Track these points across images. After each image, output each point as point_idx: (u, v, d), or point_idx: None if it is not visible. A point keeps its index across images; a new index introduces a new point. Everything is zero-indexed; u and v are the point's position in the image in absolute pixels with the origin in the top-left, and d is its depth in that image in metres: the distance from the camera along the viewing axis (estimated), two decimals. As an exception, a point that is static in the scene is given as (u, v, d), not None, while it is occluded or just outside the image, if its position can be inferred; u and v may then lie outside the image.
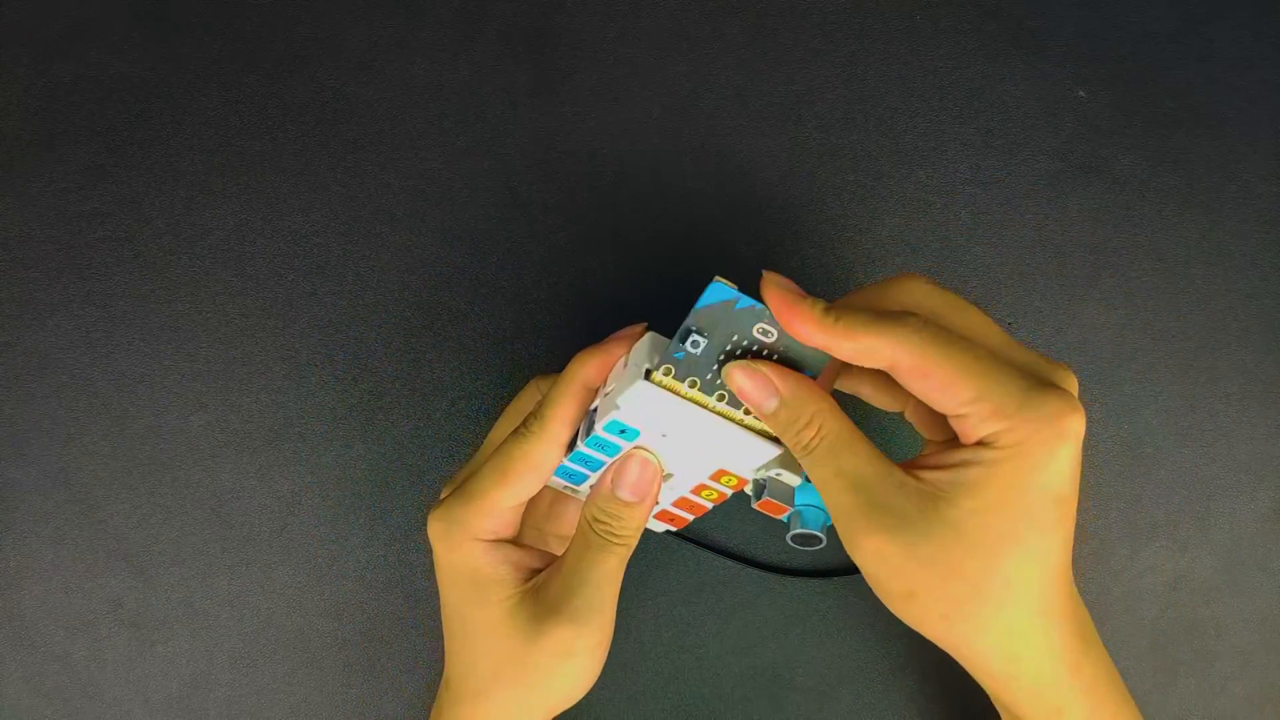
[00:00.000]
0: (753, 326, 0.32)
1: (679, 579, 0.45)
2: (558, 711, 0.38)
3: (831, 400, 0.32)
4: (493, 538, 0.36)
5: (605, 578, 0.35)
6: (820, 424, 0.31)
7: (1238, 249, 0.46)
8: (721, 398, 0.33)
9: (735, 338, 0.32)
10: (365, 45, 0.46)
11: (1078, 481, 0.31)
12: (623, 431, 0.34)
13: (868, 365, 0.31)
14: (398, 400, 0.45)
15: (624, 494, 0.35)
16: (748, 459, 0.35)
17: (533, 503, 0.39)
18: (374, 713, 0.45)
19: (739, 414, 0.33)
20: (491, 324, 0.46)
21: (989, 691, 0.34)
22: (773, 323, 0.32)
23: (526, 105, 0.46)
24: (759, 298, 0.31)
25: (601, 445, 0.35)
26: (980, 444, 0.30)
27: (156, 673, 0.46)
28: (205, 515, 0.46)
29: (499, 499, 0.35)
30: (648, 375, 0.32)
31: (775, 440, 0.33)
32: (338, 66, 0.46)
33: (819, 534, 0.38)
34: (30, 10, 0.46)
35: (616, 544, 0.35)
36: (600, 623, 0.36)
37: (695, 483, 0.36)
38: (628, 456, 0.35)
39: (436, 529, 0.36)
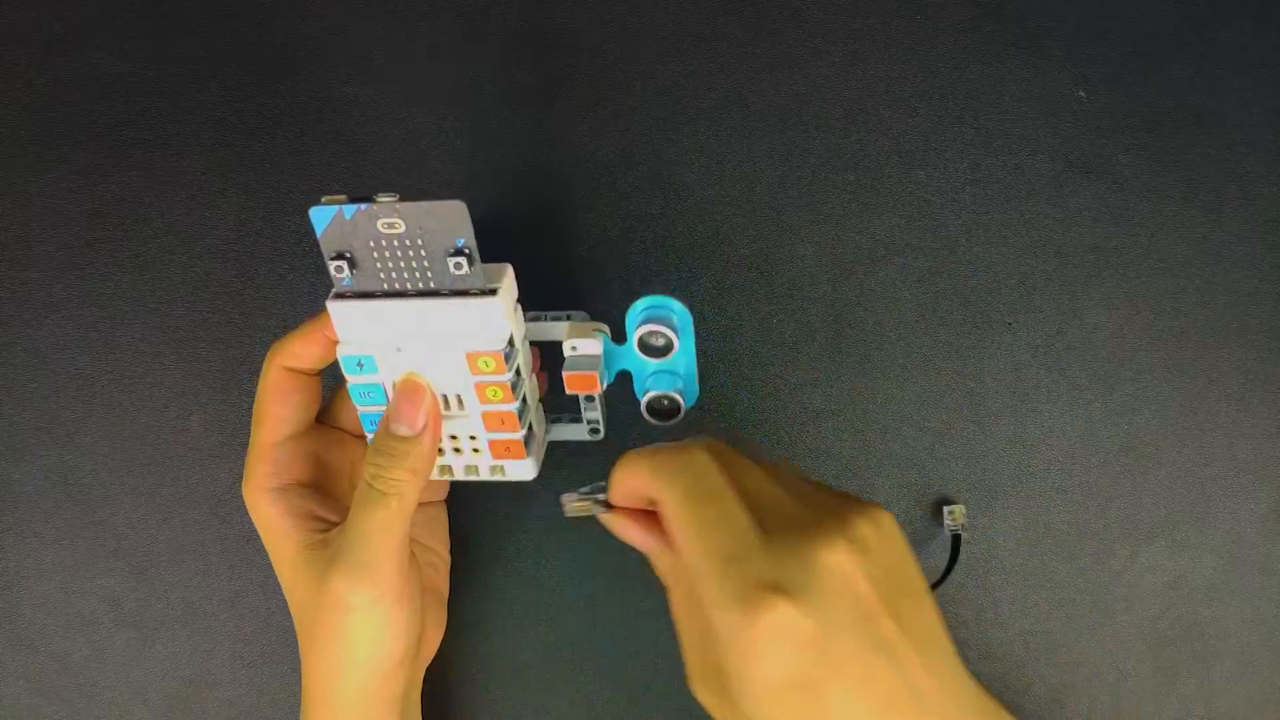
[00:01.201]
0: (378, 222, 0.32)
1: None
2: (374, 670, 0.36)
3: (646, 533, 0.33)
4: (276, 482, 0.37)
5: (377, 529, 0.34)
6: (670, 568, 0.33)
7: (1238, 249, 0.46)
8: (411, 295, 0.33)
9: (370, 243, 0.33)
10: (365, 45, 0.46)
11: (824, 661, 0.28)
12: (360, 365, 0.34)
13: (642, 502, 0.32)
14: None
15: (401, 428, 0.34)
16: (482, 328, 0.34)
17: (338, 459, 0.40)
18: (374, 713, 0.45)
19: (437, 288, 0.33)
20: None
21: None
22: (388, 211, 0.32)
23: (526, 105, 0.46)
24: (359, 198, 0.32)
25: (361, 393, 0.35)
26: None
27: (156, 673, 0.46)
28: (205, 515, 0.46)
29: (258, 445, 0.37)
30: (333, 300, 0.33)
31: (487, 291, 0.33)
32: (338, 66, 0.46)
33: (673, 395, 0.36)
34: (30, 10, 0.46)
35: (388, 494, 0.34)
36: (374, 577, 0.34)
37: (471, 387, 0.35)
38: (400, 385, 0.35)
39: (243, 494, 0.38)
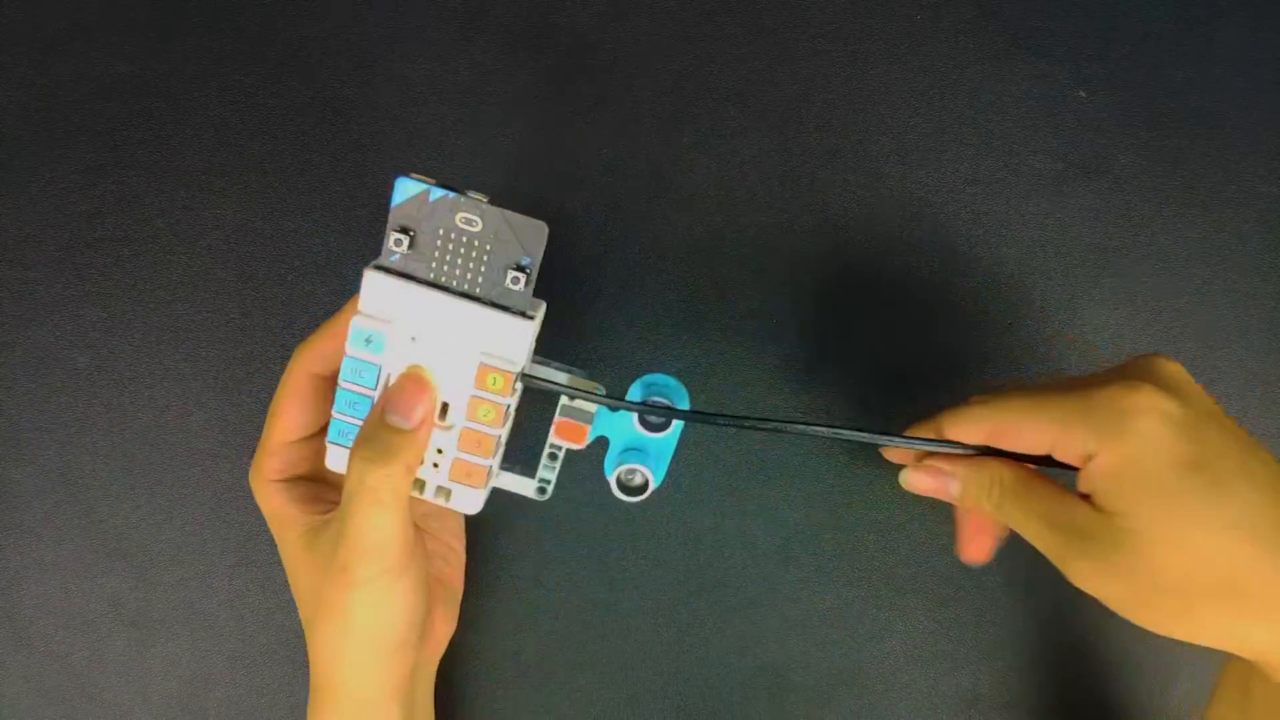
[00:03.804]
0: (455, 216, 0.32)
1: (679, 578, 0.45)
2: (374, 646, 0.36)
3: (997, 459, 0.36)
4: (283, 476, 0.38)
5: (369, 525, 0.34)
6: (1000, 478, 0.35)
7: (1238, 249, 0.46)
8: (456, 288, 0.33)
9: (441, 230, 0.32)
10: (365, 45, 0.46)
11: (1197, 440, 0.31)
12: (368, 341, 0.33)
13: (974, 439, 0.36)
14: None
15: (394, 418, 0.34)
16: (504, 345, 0.34)
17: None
18: (374, 713, 0.45)
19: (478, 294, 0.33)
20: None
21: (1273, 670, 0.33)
22: (473, 208, 0.32)
23: (526, 105, 0.46)
24: (452, 187, 0.32)
25: (355, 371, 0.34)
26: (1088, 459, 0.32)
27: (156, 673, 0.46)
28: (205, 515, 0.46)
29: (268, 439, 0.38)
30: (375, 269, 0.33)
31: (522, 313, 0.33)
32: (338, 66, 0.46)
33: (643, 471, 0.36)
34: (30, 10, 0.46)
35: (376, 488, 0.33)
36: (372, 561, 0.34)
37: (466, 398, 0.34)
38: (400, 377, 0.34)
39: (250, 481, 0.38)
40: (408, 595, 0.36)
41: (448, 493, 0.36)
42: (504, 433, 0.35)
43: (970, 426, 0.36)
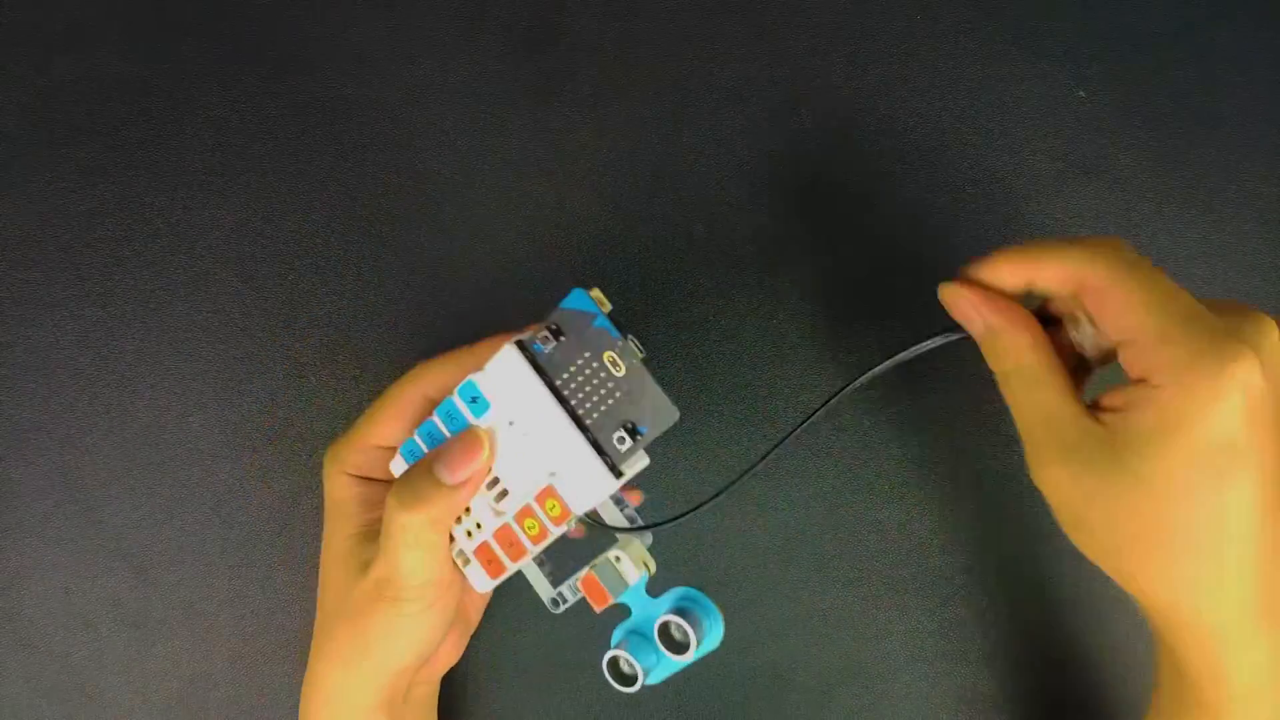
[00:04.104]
0: (603, 352, 0.32)
1: (679, 579, 0.45)
2: (392, 667, 0.37)
3: (1034, 331, 0.33)
4: (359, 473, 0.38)
5: (406, 561, 0.34)
6: (1020, 354, 0.32)
7: (1238, 249, 0.46)
8: (571, 407, 0.33)
9: (588, 354, 0.32)
10: (365, 45, 0.46)
11: (1258, 427, 0.29)
12: (474, 400, 0.34)
13: (1056, 282, 0.32)
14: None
15: (440, 469, 0.34)
16: (581, 484, 0.33)
17: None
18: (374, 713, 0.45)
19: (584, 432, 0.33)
20: (492, 324, 0.46)
21: (1154, 629, 0.33)
22: (624, 356, 0.32)
23: (526, 105, 0.46)
24: (617, 325, 0.32)
25: (449, 415, 0.34)
26: (1143, 381, 0.30)
27: (156, 673, 0.46)
28: (205, 515, 0.46)
29: (361, 436, 0.38)
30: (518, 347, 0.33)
31: (614, 470, 0.33)
32: (338, 66, 0.46)
33: (638, 671, 0.34)
34: (30, 10, 0.46)
35: (416, 533, 0.34)
36: (407, 586, 0.35)
37: (522, 503, 0.34)
38: (457, 434, 0.34)
39: (325, 459, 0.39)
40: (424, 630, 0.36)
41: (466, 560, 0.36)
42: (540, 550, 0.35)
43: (1075, 259, 0.31)
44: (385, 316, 0.46)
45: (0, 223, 0.46)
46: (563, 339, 0.33)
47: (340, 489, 0.38)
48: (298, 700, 0.45)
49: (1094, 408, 0.32)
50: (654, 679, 0.35)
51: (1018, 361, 0.33)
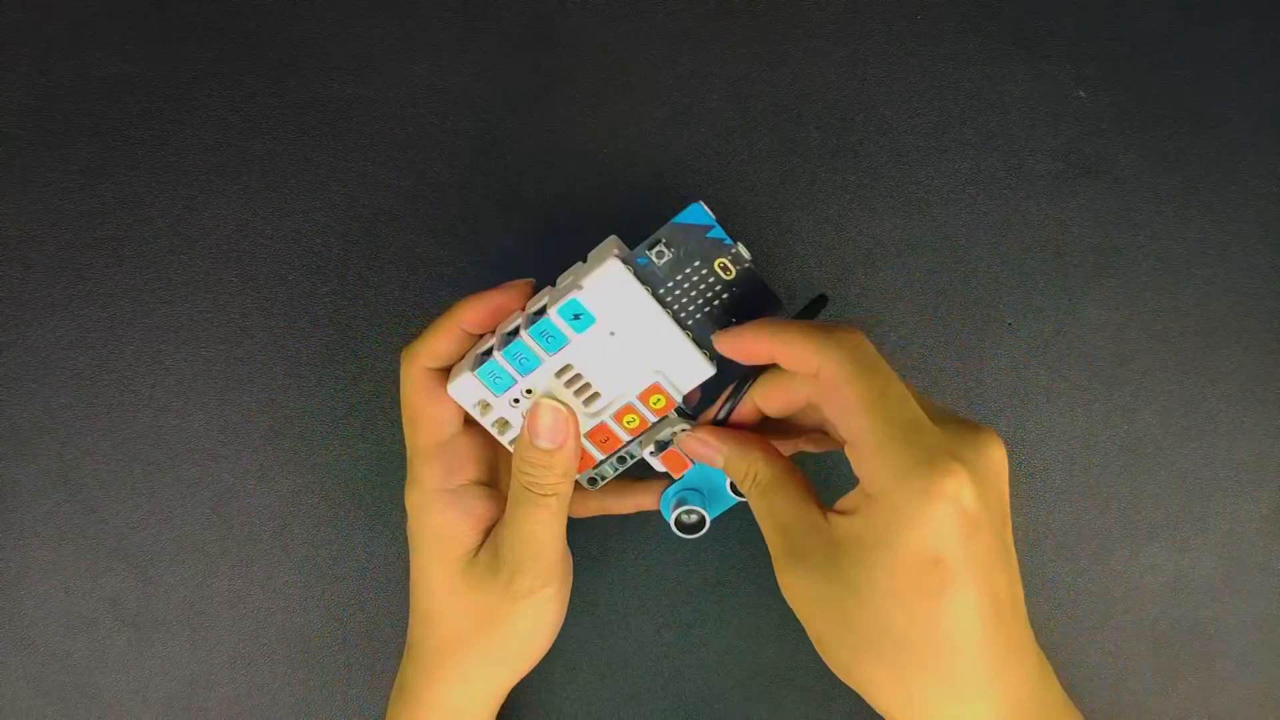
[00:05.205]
0: (715, 260, 0.34)
1: (679, 579, 0.45)
2: (522, 667, 0.39)
3: (764, 448, 0.34)
4: (450, 484, 0.37)
5: (539, 529, 0.36)
6: (756, 470, 0.34)
7: (1238, 249, 0.46)
8: (672, 312, 0.35)
9: (697, 263, 0.34)
10: (365, 45, 0.46)
11: (971, 543, 0.29)
12: (577, 317, 0.35)
13: (794, 365, 0.32)
14: (398, 400, 0.45)
15: (541, 441, 0.35)
16: (685, 375, 0.36)
17: (503, 452, 0.40)
18: (374, 712, 0.45)
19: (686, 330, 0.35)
20: (491, 324, 0.46)
21: None
22: (735, 261, 0.34)
23: (526, 105, 0.46)
24: (732, 234, 0.34)
25: (546, 334, 0.35)
26: (863, 491, 0.30)
27: (156, 673, 0.46)
28: (205, 515, 0.46)
29: (419, 444, 0.38)
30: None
31: (714, 358, 0.36)
32: (338, 66, 0.46)
33: (702, 513, 0.38)
34: (31, 10, 0.46)
35: (544, 495, 0.35)
36: (538, 570, 0.36)
37: (623, 403, 0.36)
38: (537, 405, 0.35)
39: (409, 496, 0.38)
40: (558, 610, 0.38)
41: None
42: (634, 441, 0.38)
43: (815, 353, 0.31)
44: (385, 316, 0.46)
45: (0, 223, 0.46)
46: (672, 250, 0.34)
47: (438, 512, 0.38)
48: (298, 700, 0.45)
49: (833, 511, 0.31)
50: (712, 515, 0.39)
51: (753, 475, 0.34)
